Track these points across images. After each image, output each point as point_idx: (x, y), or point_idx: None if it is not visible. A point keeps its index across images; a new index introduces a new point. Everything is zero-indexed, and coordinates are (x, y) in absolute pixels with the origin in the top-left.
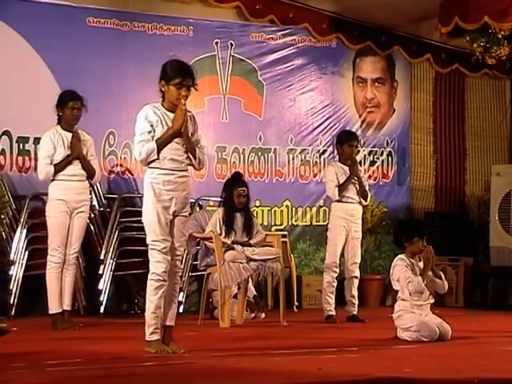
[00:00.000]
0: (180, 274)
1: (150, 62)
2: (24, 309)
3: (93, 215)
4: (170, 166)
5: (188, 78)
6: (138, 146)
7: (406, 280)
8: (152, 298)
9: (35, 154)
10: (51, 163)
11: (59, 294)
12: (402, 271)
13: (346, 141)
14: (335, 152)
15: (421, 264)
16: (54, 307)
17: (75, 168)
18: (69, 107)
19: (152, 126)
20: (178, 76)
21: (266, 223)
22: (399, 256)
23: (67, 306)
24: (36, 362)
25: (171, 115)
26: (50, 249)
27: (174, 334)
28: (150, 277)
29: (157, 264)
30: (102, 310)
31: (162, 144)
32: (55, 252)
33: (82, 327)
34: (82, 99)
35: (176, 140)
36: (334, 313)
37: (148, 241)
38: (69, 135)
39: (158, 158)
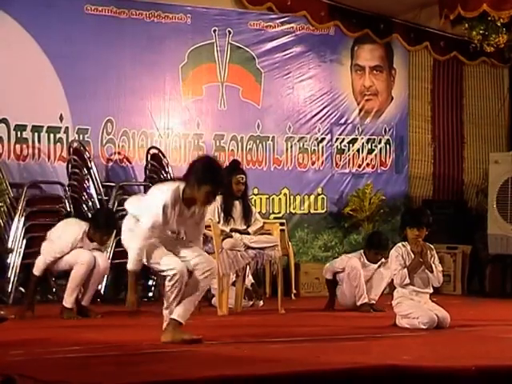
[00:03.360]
0: None
1: (148, 50)
2: (22, 297)
3: (90, 203)
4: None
5: (220, 187)
6: (144, 232)
7: (393, 272)
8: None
9: (32, 141)
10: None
11: (79, 290)
12: (392, 262)
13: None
14: (333, 140)
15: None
16: (69, 302)
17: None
18: (103, 237)
19: (166, 218)
20: (214, 185)
21: (264, 211)
22: (397, 244)
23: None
24: (34, 350)
25: (185, 211)
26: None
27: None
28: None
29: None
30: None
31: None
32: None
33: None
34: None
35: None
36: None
37: None
38: (91, 245)
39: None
